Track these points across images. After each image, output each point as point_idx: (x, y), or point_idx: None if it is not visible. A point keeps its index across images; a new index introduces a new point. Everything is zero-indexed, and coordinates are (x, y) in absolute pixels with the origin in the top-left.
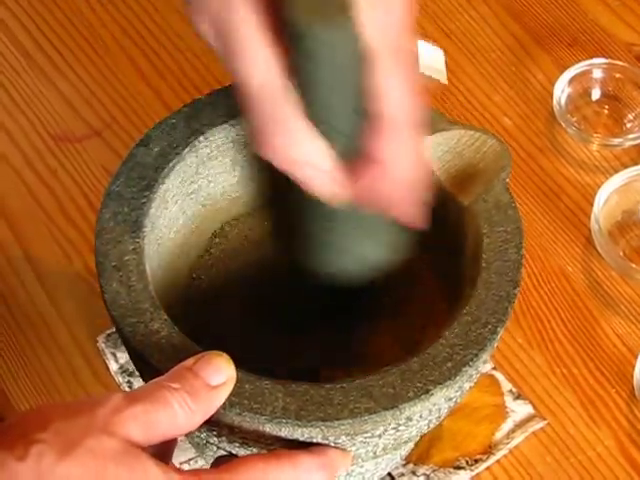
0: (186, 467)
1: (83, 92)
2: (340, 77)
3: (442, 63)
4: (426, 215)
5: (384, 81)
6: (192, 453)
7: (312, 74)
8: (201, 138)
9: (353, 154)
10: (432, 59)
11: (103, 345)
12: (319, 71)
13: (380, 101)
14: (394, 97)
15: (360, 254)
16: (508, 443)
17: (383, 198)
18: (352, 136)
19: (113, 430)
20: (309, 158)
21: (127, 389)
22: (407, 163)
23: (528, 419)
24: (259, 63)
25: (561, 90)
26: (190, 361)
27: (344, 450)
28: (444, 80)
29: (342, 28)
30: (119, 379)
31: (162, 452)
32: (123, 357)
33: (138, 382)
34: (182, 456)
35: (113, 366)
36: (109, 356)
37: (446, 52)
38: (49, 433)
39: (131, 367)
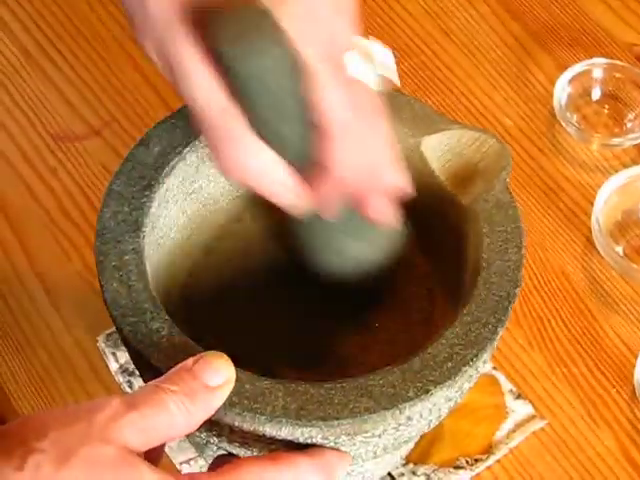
0: (186, 467)
1: (83, 91)
2: (278, 93)
3: (392, 62)
4: (399, 210)
5: (323, 93)
6: (192, 453)
7: (250, 96)
8: (201, 137)
9: (306, 163)
10: (383, 58)
11: (103, 345)
12: (256, 93)
13: (323, 114)
14: (336, 107)
15: (351, 255)
16: (508, 443)
17: (346, 201)
18: (302, 146)
19: (110, 437)
20: (262, 168)
21: (127, 389)
22: (361, 165)
23: (528, 419)
24: (202, 87)
25: (561, 90)
26: (189, 362)
27: (342, 452)
28: (396, 80)
29: (270, 51)
30: (119, 379)
31: (152, 453)
32: (123, 357)
33: (138, 381)
34: (182, 456)
35: (113, 366)
36: (109, 356)
37: (446, 51)
38: (47, 442)
39: (131, 367)
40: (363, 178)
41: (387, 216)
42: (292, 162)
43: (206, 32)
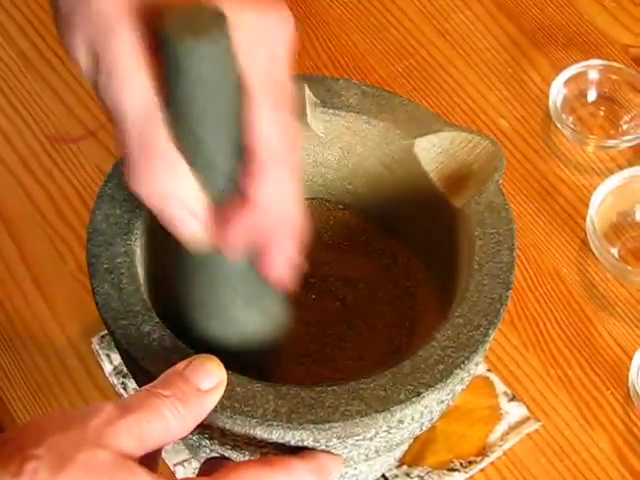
0: (180, 468)
1: (78, 92)
2: (214, 98)
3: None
4: (297, 275)
5: (258, 114)
6: (186, 454)
7: (185, 91)
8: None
9: (226, 196)
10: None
11: (97, 346)
12: (192, 88)
13: (254, 136)
14: (268, 132)
15: (241, 324)
16: (502, 445)
17: (255, 243)
18: (227, 176)
19: (106, 443)
20: (179, 193)
21: (121, 390)
22: (282, 204)
23: (522, 421)
24: (134, 87)
25: (557, 91)
26: (180, 366)
27: (335, 455)
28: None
29: (215, 42)
30: (113, 380)
31: (149, 459)
32: (117, 358)
33: (132, 383)
34: (175, 457)
35: (107, 367)
36: (103, 357)
37: (441, 52)
38: (43, 448)
39: (125, 368)
40: (277, 220)
41: (285, 273)
42: (213, 192)
43: (154, 24)
